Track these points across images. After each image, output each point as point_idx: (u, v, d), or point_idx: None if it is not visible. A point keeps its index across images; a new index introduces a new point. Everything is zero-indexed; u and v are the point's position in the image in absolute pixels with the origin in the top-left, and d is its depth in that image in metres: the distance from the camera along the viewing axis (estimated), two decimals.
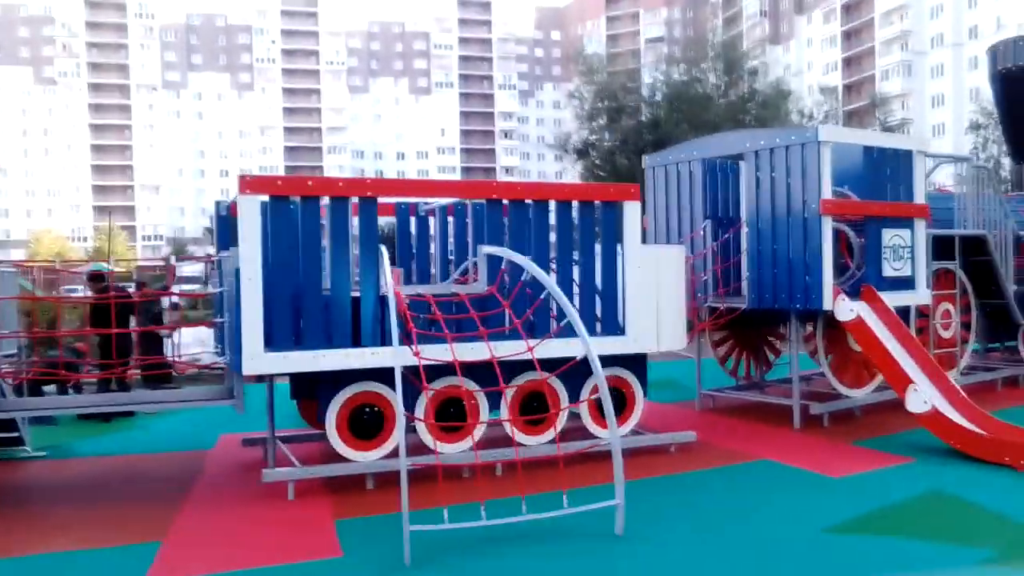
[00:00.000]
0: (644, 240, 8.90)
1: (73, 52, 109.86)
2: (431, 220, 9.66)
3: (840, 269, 10.27)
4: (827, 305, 9.16)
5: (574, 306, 7.99)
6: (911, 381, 8.59)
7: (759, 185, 9.72)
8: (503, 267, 7.48)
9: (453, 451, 7.69)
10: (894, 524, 6.36)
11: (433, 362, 6.51)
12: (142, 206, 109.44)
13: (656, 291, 8.37)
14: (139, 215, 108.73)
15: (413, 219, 9.71)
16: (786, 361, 11.17)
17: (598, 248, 8.28)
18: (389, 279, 6.46)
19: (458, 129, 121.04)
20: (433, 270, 9.77)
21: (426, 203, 9.56)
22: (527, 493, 6.19)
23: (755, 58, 39.53)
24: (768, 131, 9.91)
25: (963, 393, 8.84)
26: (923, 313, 10.86)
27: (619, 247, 8.26)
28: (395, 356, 6.01)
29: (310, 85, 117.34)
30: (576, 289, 8.11)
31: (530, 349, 6.78)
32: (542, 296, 7.24)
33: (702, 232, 10.43)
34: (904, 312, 10.55)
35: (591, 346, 6.51)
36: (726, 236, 10.19)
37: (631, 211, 8.17)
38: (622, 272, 8.21)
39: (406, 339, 6.49)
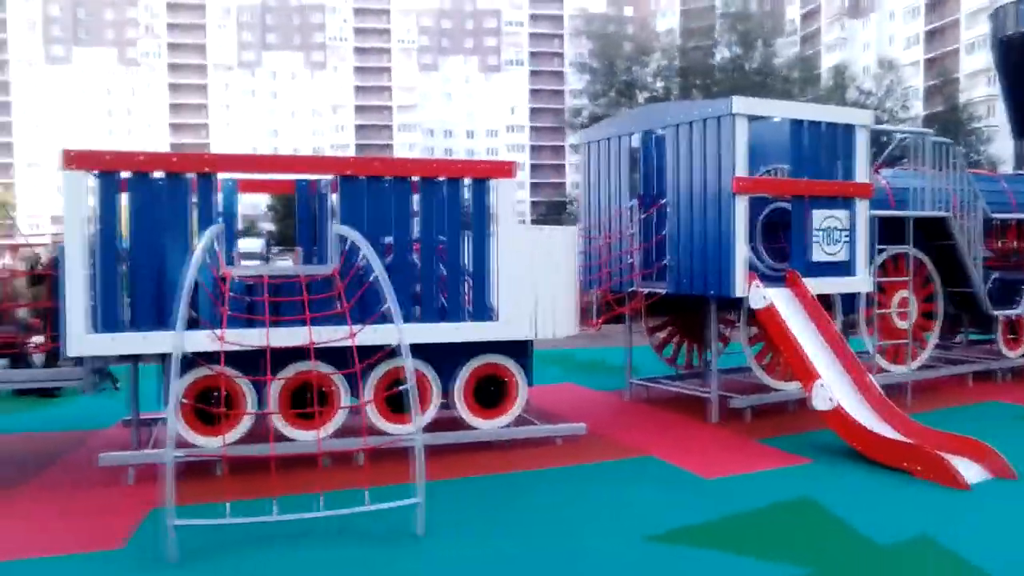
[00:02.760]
0: (579, 218, 8.42)
1: (155, 33, 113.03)
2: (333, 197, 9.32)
3: (781, 254, 9.59)
4: (739, 292, 8.50)
5: (438, 289, 7.61)
6: (817, 376, 7.88)
7: (679, 162, 9.08)
8: (344, 248, 7.09)
9: (306, 438, 7.37)
10: (725, 535, 5.78)
11: (241, 348, 6.20)
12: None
13: (537, 275, 7.86)
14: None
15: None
16: (739, 349, 10.51)
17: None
18: (196, 258, 6.14)
19: (527, 107, 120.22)
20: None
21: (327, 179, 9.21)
22: (371, 485, 5.89)
23: (791, 32, 37.94)
24: (687, 104, 9.21)
25: (880, 391, 8.08)
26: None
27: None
28: (176, 339, 5.70)
29: (381, 64, 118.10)
30: (443, 271, 7.67)
31: (352, 335, 6.39)
32: (371, 278, 6.79)
33: (629, 211, 9.82)
34: (850, 300, 9.80)
35: (404, 334, 6.10)
36: (644, 216, 9.54)
37: (504, 189, 7.66)
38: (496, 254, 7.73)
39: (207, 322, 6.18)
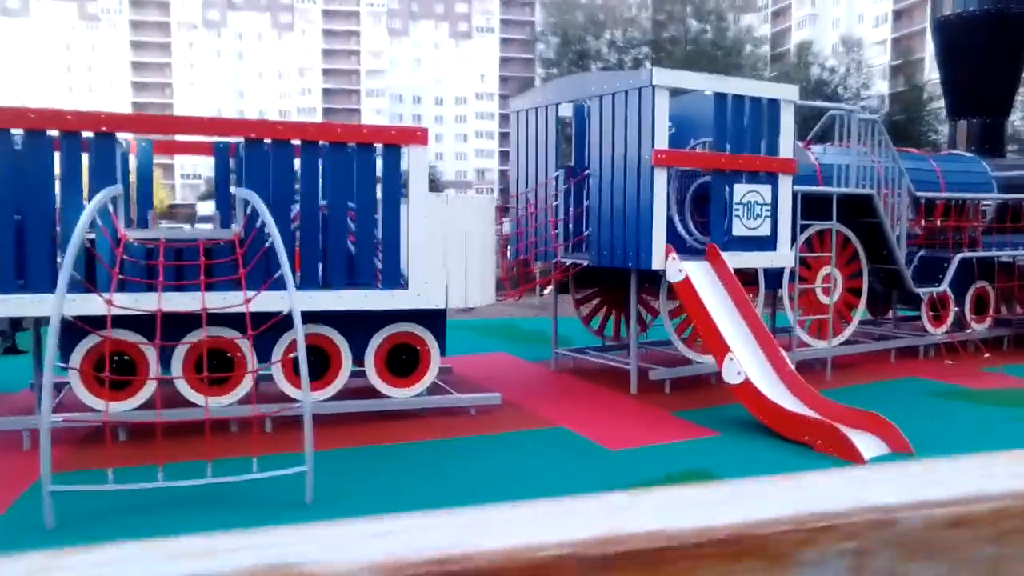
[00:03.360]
0: (508, 188, 8.33)
1: None
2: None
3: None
4: (656, 264, 8.49)
5: (347, 256, 7.51)
6: (728, 350, 7.91)
7: (602, 133, 9.01)
8: (246, 212, 6.96)
9: (220, 403, 7.27)
10: None
11: (126, 312, 6.07)
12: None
13: (450, 244, 7.78)
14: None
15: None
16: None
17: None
18: (83, 219, 5.98)
19: (497, 75, 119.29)
20: None
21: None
22: (276, 452, 5.84)
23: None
24: (610, 74, 9.12)
25: (791, 366, 8.13)
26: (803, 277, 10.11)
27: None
28: (56, 303, 5.56)
29: (350, 27, 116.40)
30: (352, 238, 7.57)
31: (247, 301, 6.28)
32: (267, 244, 6.68)
33: (554, 182, 9.75)
34: (778, 274, 9.85)
35: (296, 301, 6.00)
36: (566, 187, 9.49)
37: (416, 156, 7.56)
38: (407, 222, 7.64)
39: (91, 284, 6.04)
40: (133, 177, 8.32)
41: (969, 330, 11.51)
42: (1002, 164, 12.53)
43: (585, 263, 9.31)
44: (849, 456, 6.79)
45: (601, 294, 10.88)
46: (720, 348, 7.98)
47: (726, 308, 8.47)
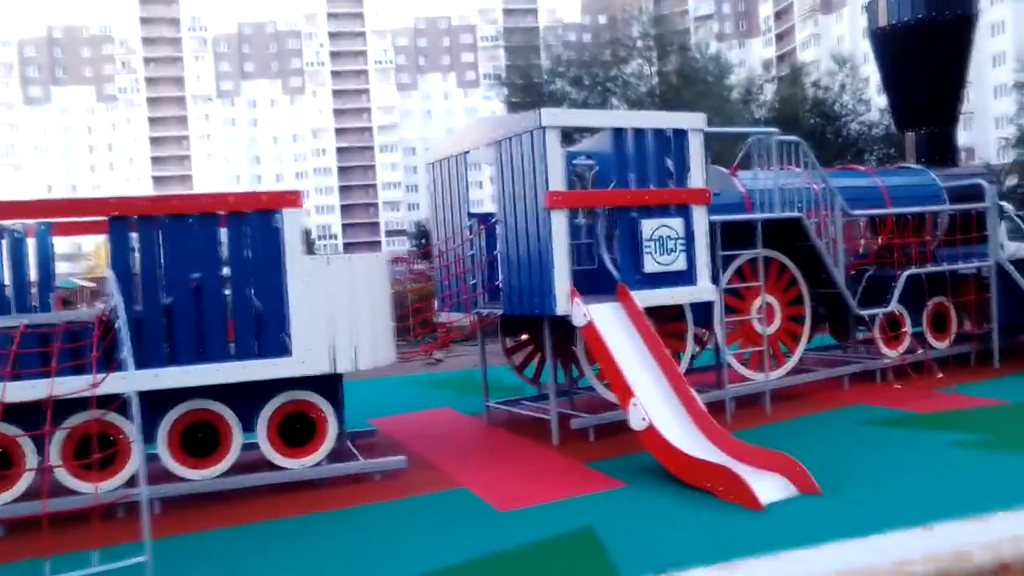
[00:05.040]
0: (428, 239, 8.13)
1: (131, 68, 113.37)
2: None
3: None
4: (561, 309, 8.18)
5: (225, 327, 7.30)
6: (632, 395, 7.55)
7: (502, 178, 8.78)
8: (106, 293, 6.79)
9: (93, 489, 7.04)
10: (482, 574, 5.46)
11: None
12: None
13: (337, 306, 7.54)
14: None
15: None
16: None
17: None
18: None
19: None
20: None
21: None
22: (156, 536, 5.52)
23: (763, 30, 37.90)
24: (507, 117, 8.92)
25: (703, 408, 7.73)
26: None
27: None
28: None
29: (359, 86, 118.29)
30: (231, 308, 7.36)
31: (95, 384, 6.07)
32: (117, 326, 6.49)
33: (469, 231, 9.52)
34: (707, 308, 9.48)
35: (135, 382, 5.77)
36: (471, 237, 9.25)
37: (291, 219, 7.37)
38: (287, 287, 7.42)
39: None
40: (33, 260, 8.24)
41: (919, 351, 10.99)
42: (953, 174, 12.09)
43: (499, 312, 9.03)
44: (747, 503, 6.37)
45: (533, 340, 10.57)
46: (625, 393, 7.62)
47: (636, 350, 8.12)
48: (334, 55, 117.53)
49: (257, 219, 7.34)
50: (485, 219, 9.47)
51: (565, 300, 8.17)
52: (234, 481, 7.49)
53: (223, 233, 7.32)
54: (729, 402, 9.57)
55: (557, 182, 8.17)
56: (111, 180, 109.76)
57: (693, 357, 11.37)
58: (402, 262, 19.50)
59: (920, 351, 11.00)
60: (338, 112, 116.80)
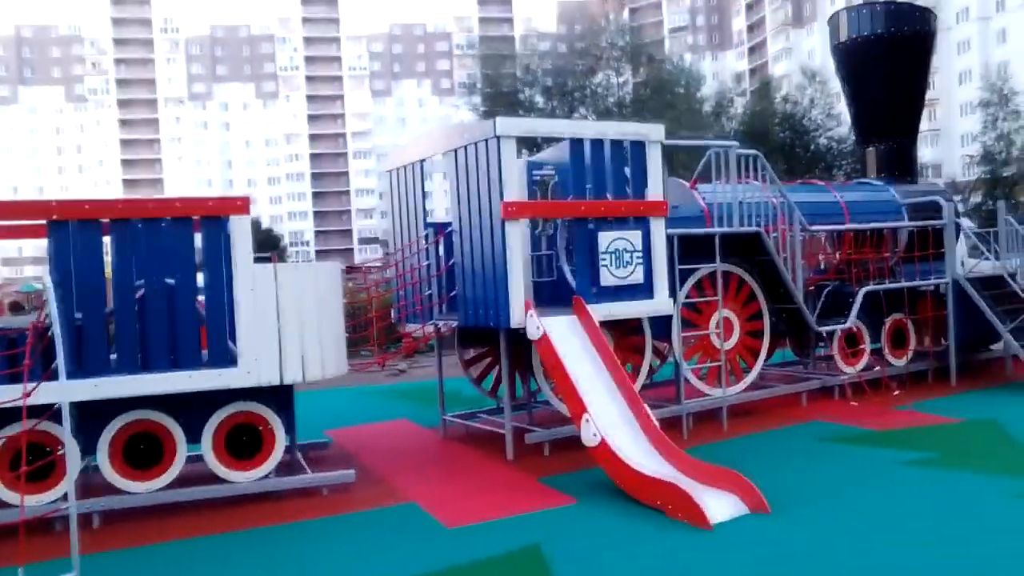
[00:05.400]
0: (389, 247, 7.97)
1: (102, 69, 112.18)
2: None
3: None
4: (516, 322, 8.08)
5: (170, 335, 7.11)
6: (584, 410, 7.46)
7: (458, 187, 8.68)
8: (42, 298, 6.59)
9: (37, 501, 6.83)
10: None
11: None
12: None
13: (286, 316, 7.38)
14: None
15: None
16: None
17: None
18: None
19: None
20: None
21: None
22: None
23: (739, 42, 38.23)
24: (463, 125, 8.80)
25: (657, 424, 7.65)
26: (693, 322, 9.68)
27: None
28: None
29: (334, 91, 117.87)
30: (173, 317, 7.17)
31: (26, 395, 5.87)
32: (52, 332, 6.29)
33: (424, 240, 9.40)
34: (667, 321, 9.41)
35: (67, 392, 5.59)
36: (426, 247, 9.14)
37: (239, 226, 7.21)
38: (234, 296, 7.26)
39: None
40: None
41: (876, 368, 11.01)
42: (912, 190, 12.16)
43: (455, 323, 8.92)
44: (696, 521, 6.29)
45: (492, 352, 10.45)
46: (578, 408, 7.53)
47: (592, 364, 8.04)
48: (308, 60, 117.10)
49: (204, 225, 7.17)
50: (442, 228, 9.35)
51: (520, 313, 8.06)
52: (175, 494, 7.30)
53: (169, 239, 7.13)
54: (687, 417, 9.51)
55: (513, 192, 8.08)
56: (80, 183, 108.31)
57: (654, 371, 11.36)
58: (354, 272, 19.27)
59: (876, 368, 11.02)
60: (312, 117, 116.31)
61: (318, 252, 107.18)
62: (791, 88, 42.29)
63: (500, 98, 34.44)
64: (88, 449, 7.15)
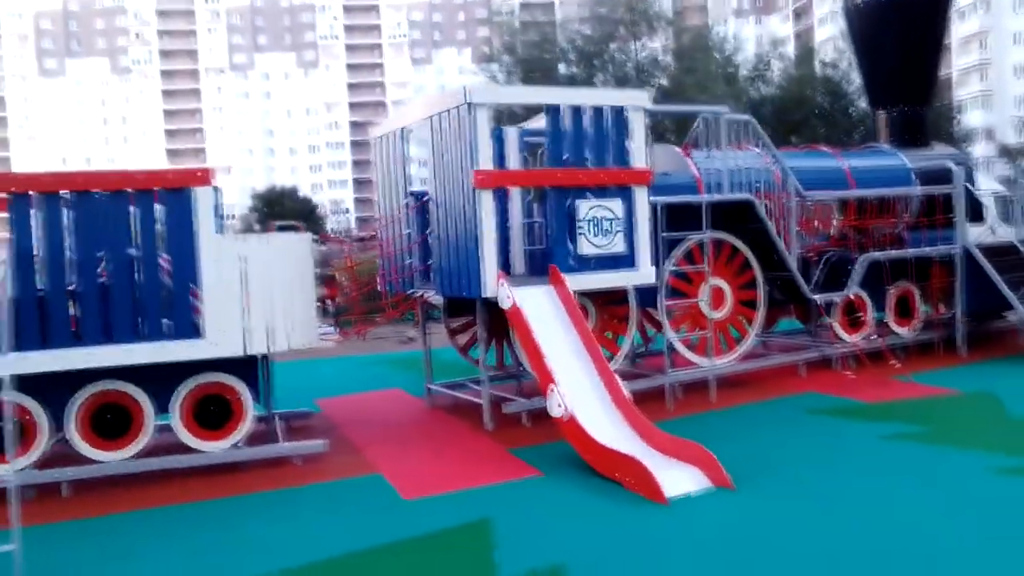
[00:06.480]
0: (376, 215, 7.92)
1: (145, 40, 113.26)
2: None
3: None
4: (488, 292, 7.97)
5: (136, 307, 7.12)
6: (552, 381, 7.33)
7: (434, 155, 8.55)
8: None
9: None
10: (362, 566, 5.31)
11: None
12: None
13: (253, 287, 7.34)
14: None
15: None
16: None
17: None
18: None
19: None
20: None
21: None
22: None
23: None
24: (439, 95, 8.59)
25: (628, 396, 7.50)
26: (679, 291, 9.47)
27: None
28: None
29: (374, 60, 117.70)
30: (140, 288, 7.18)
31: None
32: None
33: (405, 209, 9.30)
34: (652, 290, 9.22)
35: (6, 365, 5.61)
36: (407, 214, 9.02)
37: (202, 197, 7.17)
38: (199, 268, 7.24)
39: None
40: None
41: (874, 337, 10.68)
42: (923, 156, 11.70)
43: (432, 293, 8.83)
44: (653, 495, 6.16)
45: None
46: (545, 379, 7.41)
47: (566, 335, 7.89)
48: (348, 29, 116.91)
49: (167, 197, 7.14)
50: (420, 197, 9.23)
51: (493, 282, 7.94)
52: (144, 463, 7.36)
53: (133, 212, 7.12)
54: (672, 388, 9.33)
55: (486, 161, 7.92)
56: (125, 153, 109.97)
57: (650, 340, 11.18)
58: (329, 241, 19.18)
59: (876, 338, 10.70)
60: (352, 86, 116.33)
61: (358, 219, 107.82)
62: (835, 52, 41.07)
63: (521, 65, 33.97)
64: (56, 419, 7.22)
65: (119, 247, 7.07)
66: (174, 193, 7.15)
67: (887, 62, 11.90)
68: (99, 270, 7.07)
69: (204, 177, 7.17)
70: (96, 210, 7.01)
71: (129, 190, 7.07)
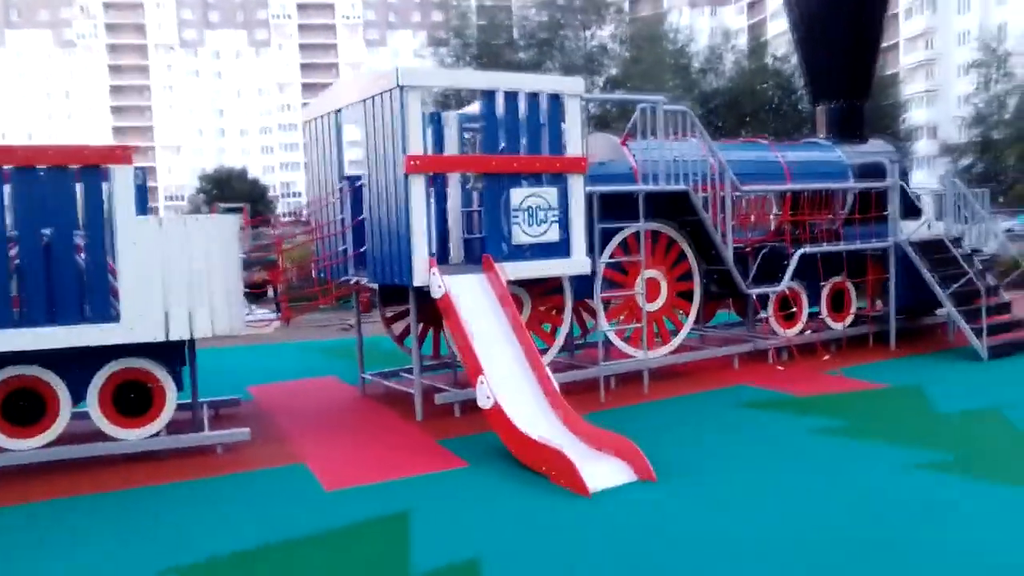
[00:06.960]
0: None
1: (90, 14, 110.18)
2: None
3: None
4: (419, 280, 7.84)
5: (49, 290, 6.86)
6: (480, 372, 7.25)
7: (366, 140, 8.38)
8: None
9: None
10: (277, 559, 5.18)
11: None
12: (163, 167, 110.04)
13: (173, 271, 7.12)
14: (160, 176, 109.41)
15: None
16: None
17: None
18: None
19: None
20: None
21: None
22: None
23: None
24: (370, 76, 8.40)
25: (556, 387, 7.44)
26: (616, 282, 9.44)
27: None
28: None
29: (327, 40, 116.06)
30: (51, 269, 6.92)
31: None
32: None
33: (338, 194, 9.12)
34: (588, 281, 9.18)
35: None
36: (336, 200, 8.85)
37: (121, 176, 6.92)
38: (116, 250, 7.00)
39: None
40: None
41: (808, 331, 10.80)
42: (859, 151, 11.84)
43: (364, 280, 8.68)
44: (576, 488, 6.12)
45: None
46: (474, 369, 7.32)
47: (498, 325, 7.81)
48: (301, 8, 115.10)
49: (82, 175, 6.89)
50: (355, 182, 9.06)
51: (424, 271, 7.82)
52: (60, 452, 7.13)
53: (44, 190, 6.84)
54: (605, 379, 9.31)
55: (417, 146, 7.78)
56: (69, 129, 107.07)
57: (589, 331, 11.16)
58: (262, 225, 18.89)
59: (808, 332, 10.82)
60: (305, 67, 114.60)
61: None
62: (787, 46, 41.50)
63: (466, 49, 33.84)
64: None
65: (32, 226, 6.79)
66: (91, 171, 6.89)
67: (826, 54, 11.99)
68: (10, 250, 6.79)
69: (124, 155, 6.91)
70: (6, 186, 6.73)
71: (42, 166, 6.79)
